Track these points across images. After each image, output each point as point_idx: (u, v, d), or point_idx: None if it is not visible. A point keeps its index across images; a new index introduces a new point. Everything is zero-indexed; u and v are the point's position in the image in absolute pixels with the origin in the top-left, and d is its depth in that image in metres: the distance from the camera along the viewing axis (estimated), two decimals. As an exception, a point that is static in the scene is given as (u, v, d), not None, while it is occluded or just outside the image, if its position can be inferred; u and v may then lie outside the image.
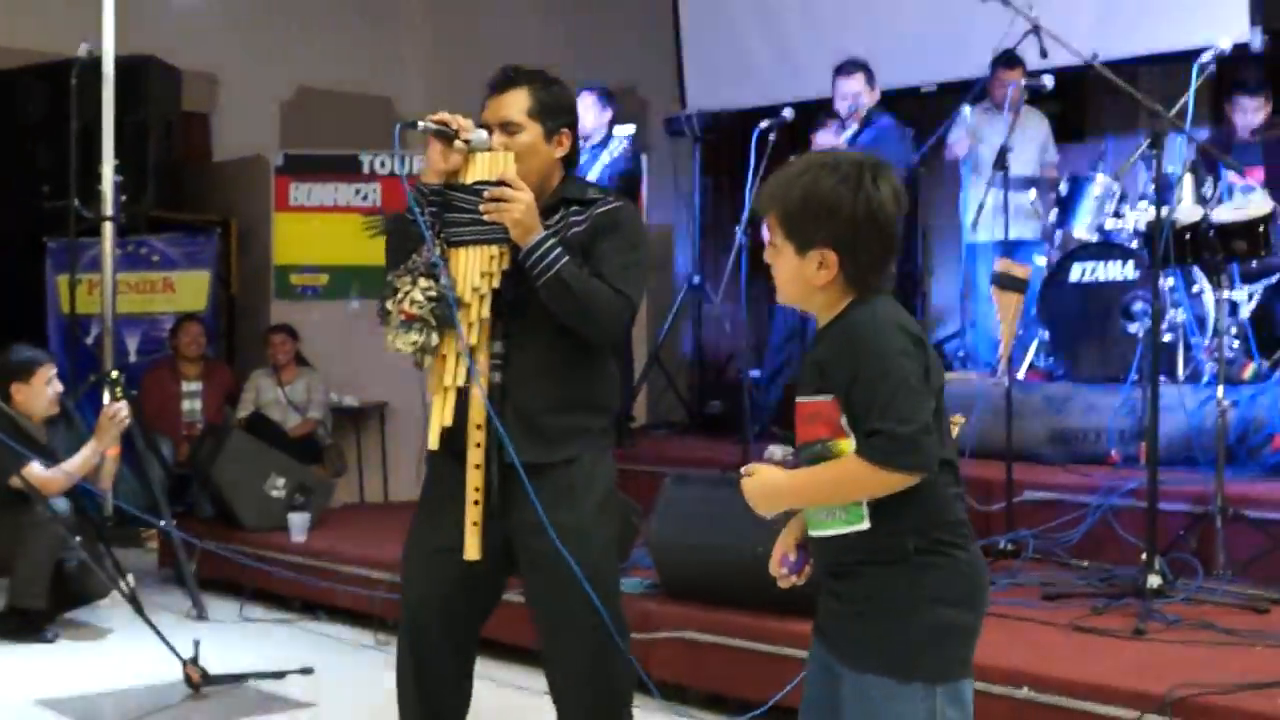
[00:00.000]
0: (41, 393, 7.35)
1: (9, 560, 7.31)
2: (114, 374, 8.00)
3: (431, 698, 4.36)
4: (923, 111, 9.38)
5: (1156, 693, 4.47)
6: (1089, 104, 9.46)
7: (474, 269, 4.09)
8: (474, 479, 4.14)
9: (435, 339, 4.07)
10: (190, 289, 11.02)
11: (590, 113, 9.02)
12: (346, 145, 11.17)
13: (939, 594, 2.92)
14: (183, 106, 11.47)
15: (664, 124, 11.27)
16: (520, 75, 4.22)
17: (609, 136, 9.07)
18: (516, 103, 4.17)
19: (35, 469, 6.87)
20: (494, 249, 4.09)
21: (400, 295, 4.08)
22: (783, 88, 9.80)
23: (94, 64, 8.51)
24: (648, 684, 4.49)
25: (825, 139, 8.34)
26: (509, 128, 4.16)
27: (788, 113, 8.17)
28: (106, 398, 7.94)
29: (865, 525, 2.92)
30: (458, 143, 4.10)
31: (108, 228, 8.55)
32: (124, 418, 7.48)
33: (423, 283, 4.07)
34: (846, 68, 8.39)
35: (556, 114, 4.21)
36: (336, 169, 10.97)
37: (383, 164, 10.86)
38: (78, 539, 7.26)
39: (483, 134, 4.14)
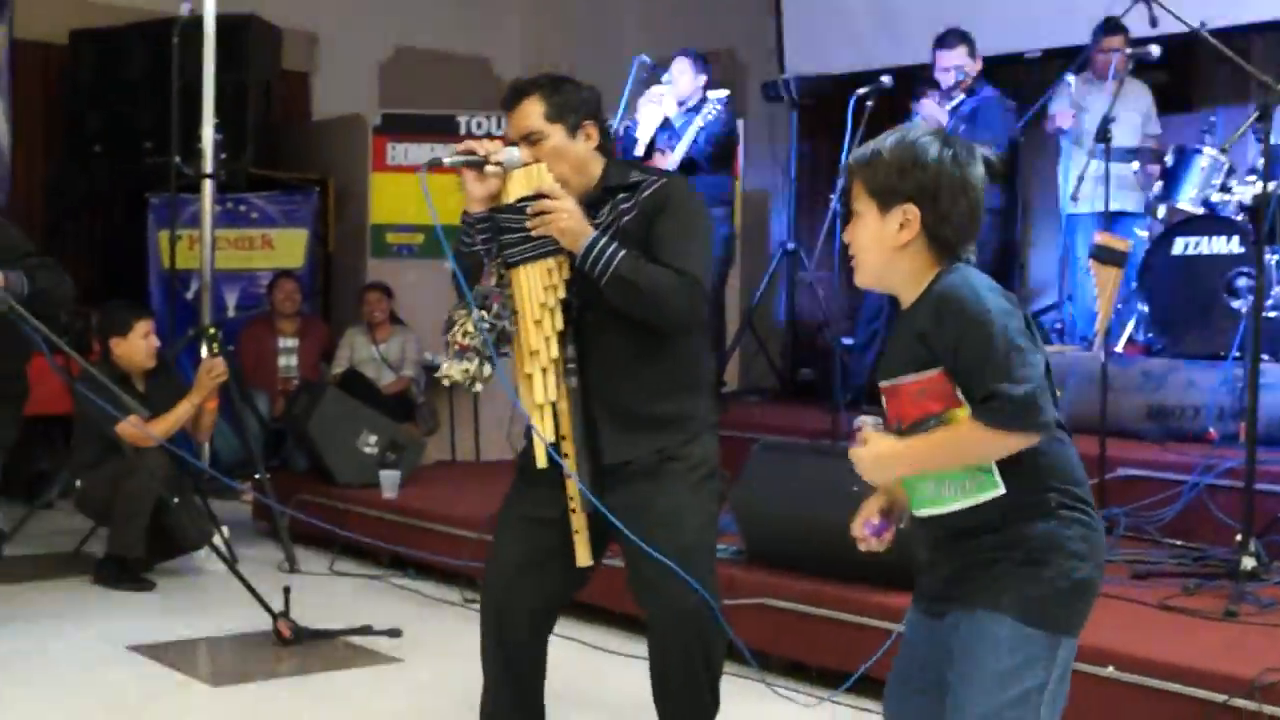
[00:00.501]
0: (139, 346, 7.44)
1: (108, 510, 7.43)
2: (211, 329, 8.09)
3: (512, 659, 4.43)
4: (1026, 79, 9.31)
5: (1245, 676, 4.43)
6: (1198, 74, 9.34)
7: (536, 285, 4.10)
8: (569, 488, 4.20)
9: (487, 369, 4.10)
10: (288, 246, 11.11)
11: (685, 76, 9.04)
12: (444, 106, 11.22)
13: (1078, 549, 2.95)
14: (283, 66, 11.60)
15: (761, 89, 11.23)
16: (527, 85, 4.24)
17: (704, 100, 9.06)
18: (532, 112, 4.18)
19: (135, 421, 6.95)
20: (550, 261, 4.11)
21: (456, 327, 4.13)
22: (883, 53, 9.77)
23: (195, 23, 8.60)
24: (743, 652, 4.53)
25: (930, 107, 8.28)
26: (532, 137, 4.17)
27: (886, 79, 8.14)
28: (204, 352, 8.03)
29: (1000, 490, 2.94)
30: (489, 167, 4.11)
31: (207, 185, 8.67)
32: (221, 372, 7.57)
33: (475, 314, 4.10)
34: (948, 40, 8.33)
35: (574, 110, 4.21)
36: (433, 129, 11.00)
37: (479, 125, 10.88)
38: (175, 500, 7.38)
39: (513, 151, 4.13)
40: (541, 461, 4.15)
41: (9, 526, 8.23)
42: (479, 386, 4.15)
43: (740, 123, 10.21)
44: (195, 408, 7.47)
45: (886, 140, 3.04)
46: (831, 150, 8.60)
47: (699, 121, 8.95)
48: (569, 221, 4.03)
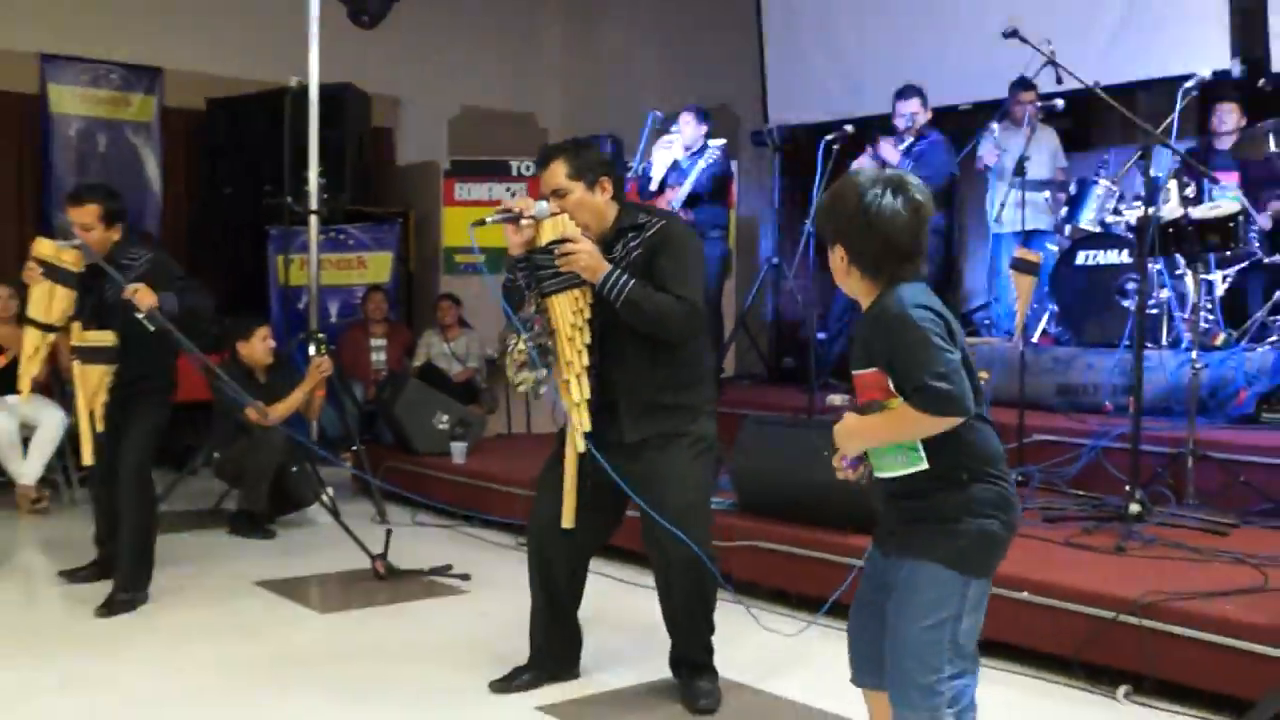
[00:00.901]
0: (259, 348, 7.49)
1: (238, 475, 7.49)
2: (318, 334, 8.15)
3: (552, 593, 4.53)
4: (959, 126, 9.26)
5: (1130, 597, 4.47)
6: (1096, 120, 9.28)
7: (567, 310, 4.18)
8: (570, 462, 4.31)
9: (544, 373, 4.20)
10: (378, 266, 11.16)
11: (690, 127, 9.06)
12: (499, 153, 11.26)
13: (983, 509, 2.99)
14: (372, 123, 11.59)
15: (751, 136, 11.24)
16: (554, 150, 4.32)
17: (705, 146, 9.07)
18: (558, 172, 4.26)
19: (259, 406, 7.01)
20: (576, 291, 4.19)
21: (511, 347, 4.21)
22: (845, 106, 9.74)
23: (303, 92, 8.63)
24: (726, 588, 4.53)
25: (886, 148, 8.26)
26: (559, 192, 4.24)
27: (849, 127, 8.10)
28: (312, 351, 8.08)
29: (924, 465, 2.99)
30: (523, 220, 4.17)
31: (313, 219, 8.69)
32: (327, 367, 7.65)
33: (523, 338, 4.18)
34: (906, 91, 8.31)
35: (591, 169, 4.28)
36: (491, 172, 11.11)
37: (526, 167, 10.95)
38: (294, 468, 7.43)
39: (543, 205, 4.19)
40: (580, 448, 4.22)
41: (162, 490, 8.30)
42: (543, 389, 4.25)
43: (734, 163, 10.22)
44: (306, 395, 7.54)
45: (831, 190, 3.09)
46: (806, 184, 8.57)
47: (702, 163, 8.96)
48: (588, 260, 4.12)
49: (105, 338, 5.56)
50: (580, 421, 4.19)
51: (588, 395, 4.19)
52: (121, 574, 5.73)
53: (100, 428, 5.55)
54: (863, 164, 8.18)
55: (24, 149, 10.74)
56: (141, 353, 5.66)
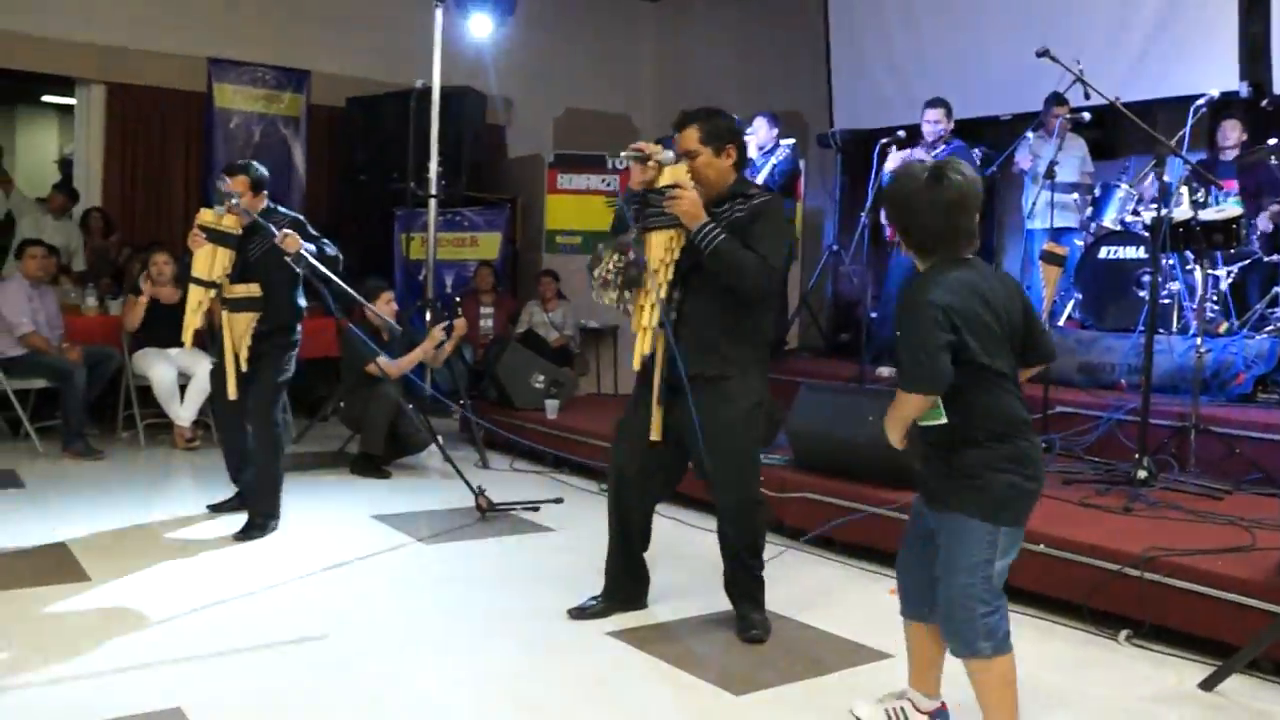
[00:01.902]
0: (384, 310, 7.53)
1: (360, 421, 7.56)
2: (436, 302, 8.23)
3: (624, 527, 4.55)
4: (999, 134, 9.13)
5: (1134, 552, 4.43)
6: (1119, 131, 9.12)
7: (660, 247, 4.17)
8: (656, 385, 4.30)
9: (628, 295, 4.17)
10: (488, 244, 11.19)
11: (763, 129, 8.97)
12: (597, 148, 11.24)
13: (1007, 466, 3.01)
14: (487, 120, 11.65)
15: (817, 138, 11.14)
16: (691, 115, 4.29)
17: (776, 145, 8.98)
18: (692, 135, 4.24)
19: (382, 360, 7.08)
20: (672, 232, 4.17)
21: (602, 263, 4.18)
22: (900, 114, 9.61)
23: (426, 93, 8.67)
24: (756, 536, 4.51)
25: (918, 156, 8.12)
26: (689, 154, 4.22)
27: (901, 133, 8.04)
28: (428, 315, 8.15)
29: (944, 420, 3.02)
30: (650, 163, 4.16)
31: (432, 203, 8.77)
32: (463, 328, 7.82)
33: (616, 256, 4.15)
34: (935, 102, 8.16)
35: (720, 137, 4.24)
36: (589, 164, 11.07)
37: (621, 162, 10.88)
38: (410, 406, 7.48)
39: (668, 153, 4.19)
40: (636, 365, 4.29)
41: (296, 434, 8.43)
42: (625, 307, 4.22)
43: (802, 162, 10.13)
44: (423, 354, 7.58)
45: (890, 179, 3.19)
46: (863, 181, 8.50)
47: (773, 161, 8.88)
48: (689, 206, 4.10)
49: (251, 289, 5.71)
50: (644, 345, 4.20)
51: (655, 323, 4.18)
52: (255, 503, 5.83)
53: (244, 368, 5.69)
54: (896, 163, 8.08)
55: (191, 138, 10.98)
56: (277, 307, 5.78)
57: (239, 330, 5.69)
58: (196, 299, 5.64)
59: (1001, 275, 3.20)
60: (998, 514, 3.02)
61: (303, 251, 5.57)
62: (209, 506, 6.23)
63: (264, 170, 5.90)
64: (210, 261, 5.65)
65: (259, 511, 5.79)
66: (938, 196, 3.01)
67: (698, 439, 4.22)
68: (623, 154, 4.22)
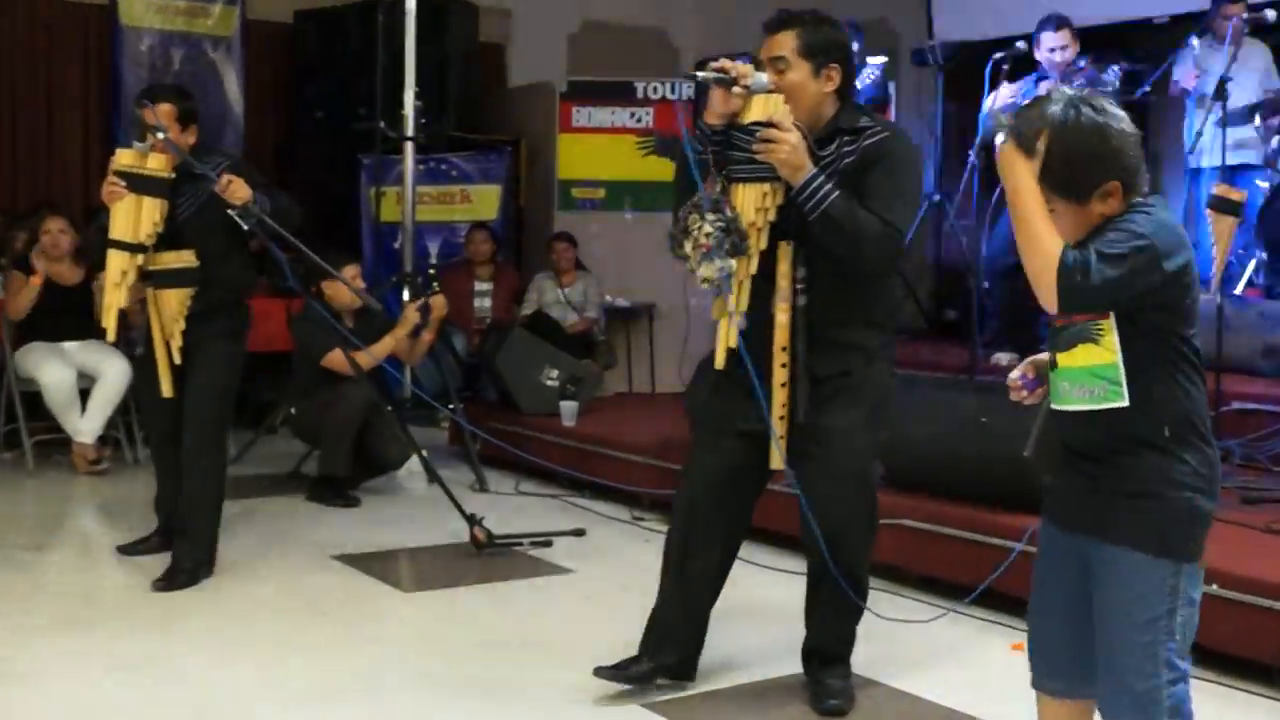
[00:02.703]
0: (345, 289, 7.49)
1: (317, 433, 7.57)
2: (417, 277, 8.25)
3: (692, 569, 4.43)
4: (1153, 43, 9.07)
5: (1340, 593, 4.37)
6: (1317, 35, 9.08)
7: (750, 205, 4.08)
8: (780, 396, 4.21)
9: (734, 264, 4.08)
10: (484, 200, 11.21)
11: (839, 43, 8.92)
12: (625, 73, 11.23)
13: (1190, 481, 2.90)
14: (480, 39, 11.66)
15: (910, 54, 11.09)
16: (791, 17, 4.20)
17: (861, 65, 8.95)
18: (786, 42, 4.15)
19: (338, 355, 7.08)
20: (766, 186, 4.08)
21: (695, 231, 4.09)
22: (1020, 20, 9.54)
23: (399, 3, 8.68)
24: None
25: (1042, 87, 8.04)
26: (778, 64, 4.15)
27: (1021, 44, 7.99)
28: (406, 294, 8.17)
29: (1124, 403, 2.90)
30: (736, 89, 4.07)
31: (408, 147, 8.79)
32: (442, 307, 7.74)
33: (710, 217, 4.08)
34: (1053, 21, 8.00)
35: (824, 51, 4.16)
36: (614, 94, 11.07)
37: (655, 90, 10.91)
38: (389, 409, 7.49)
39: (761, 78, 4.09)
40: (719, 362, 4.19)
41: (236, 450, 8.45)
42: (732, 283, 4.14)
43: (893, 85, 10.10)
44: (396, 342, 7.58)
45: (1063, 138, 2.90)
46: (972, 111, 8.45)
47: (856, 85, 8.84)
48: (789, 154, 4.00)
49: (185, 258, 5.67)
50: (730, 336, 4.12)
51: (745, 307, 4.11)
52: (184, 544, 5.81)
53: (178, 360, 5.68)
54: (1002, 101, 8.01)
55: (91, 65, 10.96)
56: (219, 281, 5.77)
57: (170, 311, 5.66)
58: (119, 268, 5.54)
59: None
60: (1179, 547, 2.92)
61: (252, 205, 5.51)
62: (120, 548, 6.22)
63: (193, 98, 5.89)
64: (135, 217, 5.55)
65: (188, 555, 5.77)
66: (1130, 129, 2.92)
67: (808, 454, 4.22)
68: (699, 74, 4.12)
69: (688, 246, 4.11)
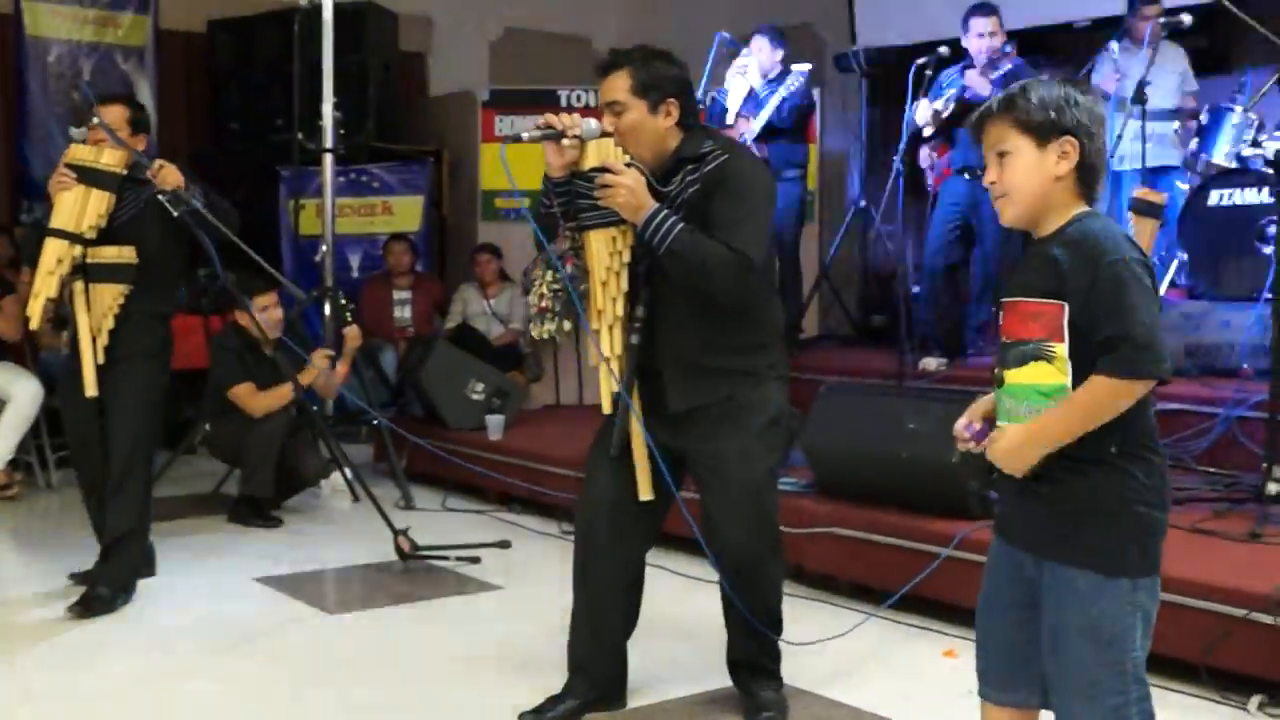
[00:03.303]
0: (261, 319, 7.37)
1: (235, 453, 7.55)
2: (344, 300, 8.26)
3: (596, 603, 4.45)
4: (1074, 46, 9.20)
5: (1264, 592, 4.43)
6: (1231, 38, 9.23)
7: (603, 250, 4.10)
8: (636, 430, 4.23)
9: (567, 325, 4.14)
10: (406, 212, 11.23)
11: (764, 51, 8.98)
12: (548, 82, 11.26)
13: (1140, 495, 2.90)
14: (400, 48, 11.66)
15: (834, 60, 11.20)
16: (620, 57, 4.20)
17: (785, 72, 8.99)
18: (619, 83, 4.15)
19: (243, 390, 7.10)
20: (614, 230, 4.10)
21: (534, 289, 4.15)
22: (943, 25, 9.65)
23: (315, 11, 8.66)
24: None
25: (973, 77, 8.11)
26: (614, 107, 4.15)
27: (943, 49, 8.06)
28: (328, 309, 8.15)
29: None
30: (566, 140, 4.08)
31: (327, 159, 8.78)
32: (356, 337, 7.73)
33: (549, 275, 4.12)
34: (981, 8, 8.11)
35: (658, 87, 4.15)
36: (537, 102, 11.03)
37: (578, 98, 10.95)
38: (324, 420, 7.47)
39: (591, 123, 4.10)
40: (606, 408, 4.20)
41: (154, 470, 8.38)
42: (569, 339, 4.19)
43: (817, 92, 10.17)
44: (285, 398, 7.50)
45: (1026, 89, 2.97)
46: (896, 115, 8.54)
47: (781, 92, 8.87)
48: (627, 197, 4.00)
49: (125, 254, 5.67)
50: (611, 379, 4.12)
51: (619, 350, 4.13)
52: (105, 569, 5.76)
53: (102, 359, 5.64)
54: (923, 114, 8.09)
55: (-6, 78, 10.80)
56: (151, 286, 5.74)
57: (103, 306, 5.64)
58: (55, 256, 5.53)
59: None
60: (1136, 564, 2.92)
61: (182, 194, 5.52)
62: (70, 576, 6.06)
63: (144, 108, 5.93)
64: (80, 208, 5.56)
65: (108, 581, 5.72)
66: (1096, 119, 2.96)
67: (705, 485, 4.27)
68: (524, 135, 4.11)
69: (532, 298, 4.18)
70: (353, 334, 7.93)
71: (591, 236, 4.12)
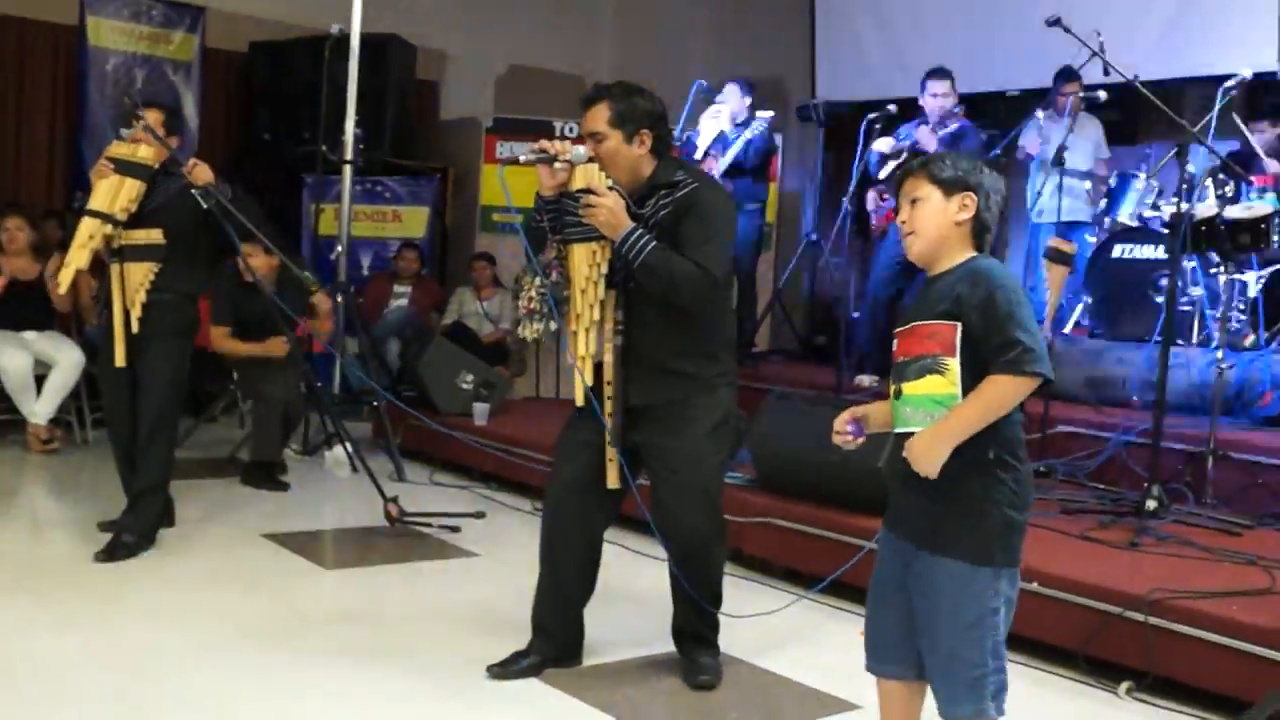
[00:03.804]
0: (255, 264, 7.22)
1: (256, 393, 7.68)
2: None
3: (557, 559, 4.47)
4: (1006, 111, 9.28)
5: (1138, 593, 4.50)
6: (1140, 114, 9.32)
7: (583, 262, 4.16)
8: (609, 423, 4.27)
9: (553, 325, 4.17)
10: (413, 220, 11.24)
11: (735, 98, 9.05)
12: (545, 113, 11.28)
13: (1008, 498, 3.00)
14: (417, 76, 11.66)
15: (796, 110, 11.25)
16: (602, 91, 4.25)
17: (751, 118, 9.06)
18: (600, 115, 4.20)
19: (218, 333, 7.31)
20: (595, 244, 4.16)
21: (523, 293, 4.19)
22: (891, 85, 9.74)
23: (343, 40, 8.66)
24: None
25: (923, 133, 8.20)
26: (595, 136, 4.20)
27: (892, 107, 8.13)
28: (339, 300, 8.19)
29: None
30: (557, 164, 4.13)
31: (347, 170, 8.79)
32: (325, 301, 7.91)
33: (537, 281, 4.16)
34: (938, 73, 8.26)
35: (634, 119, 4.20)
36: (534, 131, 11.03)
37: (571, 129, 10.96)
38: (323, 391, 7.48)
39: (580, 150, 4.14)
40: (580, 401, 4.23)
41: (180, 436, 8.37)
42: (550, 340, 4.24)
43: (779, 137, 10.23)
44: (267, 350, 7.68)
45: (945, 156, 3.17)
46: (848, 161, 8.61)
47: (747, 134, 8.94)
48: (607, 216, 4.06)
49: (153, 236, 5.70)
50: (585, 377, 4.18)
51: (593, 351, 4.18)
52: (130, 519, 5.78)
53: (136, 329, 5.66)
54: (883, 145, 8.21)
55: (59, 82, 10.79)
56: (178, 270, 5.76)
57: (135, 282, 5.66)
58: (88, 232, 5.56)
59: None
60: (1000, 555, 3.01)
61: (212, 189, 5.58)
62: (99, 525, 6.07)
63: (179, 113, 5.95)
64: (114, 193, 5.62)
65: (132, 529, 5.73)
66: (997, 183, 3.10)
67: (660, 476, 4.30)
68: (521, 157, 4.16)
69: (521, 301, 4.21)
70: (320, 299, 7.95)
71: (574, 249, 4.18)
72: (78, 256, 5.55)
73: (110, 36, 10.63)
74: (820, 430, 5.75)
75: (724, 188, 4.75)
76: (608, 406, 4.27)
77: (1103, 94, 7.29)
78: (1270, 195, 7.11)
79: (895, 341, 3.12)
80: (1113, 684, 4.52)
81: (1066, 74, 8.17)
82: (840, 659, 4.71)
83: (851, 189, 8.36)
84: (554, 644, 4.51)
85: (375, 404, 8.10)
